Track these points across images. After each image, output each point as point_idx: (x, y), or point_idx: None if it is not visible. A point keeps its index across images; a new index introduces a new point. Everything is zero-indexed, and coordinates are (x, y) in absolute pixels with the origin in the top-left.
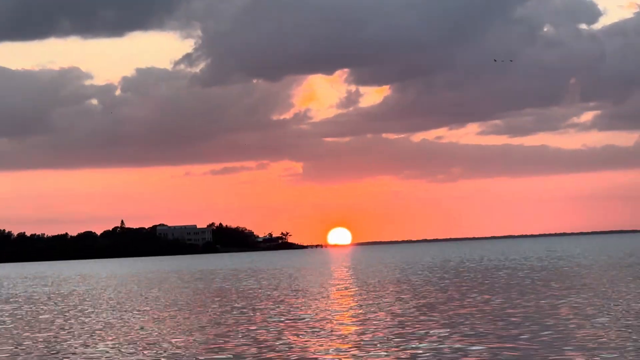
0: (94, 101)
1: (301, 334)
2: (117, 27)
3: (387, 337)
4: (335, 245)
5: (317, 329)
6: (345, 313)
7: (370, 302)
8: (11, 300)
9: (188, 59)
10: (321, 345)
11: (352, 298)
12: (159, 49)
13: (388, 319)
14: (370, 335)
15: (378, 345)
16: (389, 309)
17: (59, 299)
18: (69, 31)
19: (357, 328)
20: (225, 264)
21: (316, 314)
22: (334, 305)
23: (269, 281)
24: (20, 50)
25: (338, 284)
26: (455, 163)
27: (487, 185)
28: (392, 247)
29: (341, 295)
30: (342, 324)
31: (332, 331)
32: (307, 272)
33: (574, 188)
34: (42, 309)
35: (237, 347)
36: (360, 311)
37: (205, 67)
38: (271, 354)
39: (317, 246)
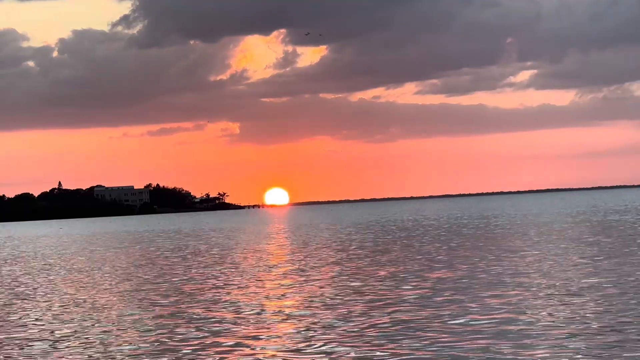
0: (31, 63)
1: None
2: None
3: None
4: (272, 206)
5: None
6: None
7: (300, 260)
8: None
9: (125, 20)
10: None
11: (282, 257)
12: (96, 10)
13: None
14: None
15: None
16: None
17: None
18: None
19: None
20: (160, 227)
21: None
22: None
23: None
24: None
25: (270, 244)
26: (393, 123)
27: (425, 144)
28: (328, 206)
29: (271, 255)
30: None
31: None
32: (240, 234)
33: (510, 147)
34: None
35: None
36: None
37: (142, 29)
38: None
39: (254, 206)
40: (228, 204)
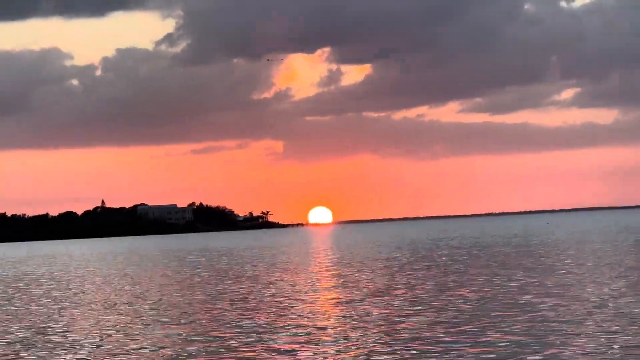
0: (75, 81)
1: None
2: (98, 7)
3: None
4: (316, 224)
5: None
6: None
7: (350, 279)
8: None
9: (169, 38)
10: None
11: (333, 276)
12: (140, 28)
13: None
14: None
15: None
16: (368, 285)
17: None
18: (51, 11)
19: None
20: (206, 244)
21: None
22: (314, 282)
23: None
24: (1, 31)
25: (320, 263)
26: (436, 141)
27: (468, 163)
28: (372, 225)
29: (323, 273)
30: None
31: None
32: (288, 250)
33: (554, 165)
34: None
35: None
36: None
37: (186, 47)
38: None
39: (297, 225)
40: (271, 222)
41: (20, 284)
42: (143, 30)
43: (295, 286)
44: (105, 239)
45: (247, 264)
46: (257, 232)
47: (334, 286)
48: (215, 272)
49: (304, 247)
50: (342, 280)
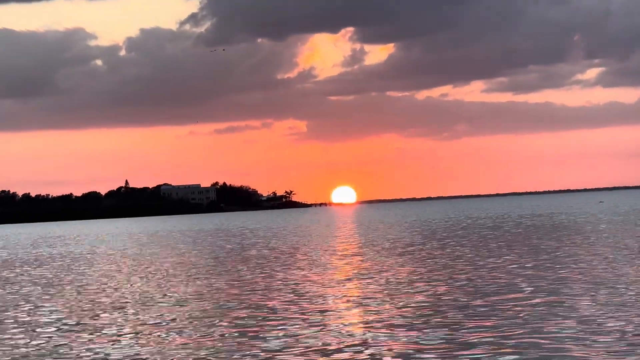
0: (99, 62)
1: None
2: None
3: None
4: (339, 204)
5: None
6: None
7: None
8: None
9: (193, 18)
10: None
11: (355, 259)
12: (163, 9)
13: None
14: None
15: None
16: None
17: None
18: None
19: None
20: (233, 224)
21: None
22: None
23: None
24: (26, 12)
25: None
26: (460, 120)
27: (491, 142)
28: (395, 204)
29: (346, 256)
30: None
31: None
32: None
33: (578, 145)
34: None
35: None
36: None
37: (210, 27)
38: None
39: (321, 204)
40: (295, 202)
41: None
42: (167, 10)
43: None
44: (126, 219)
45: (269, 244)
46: (281, 212)
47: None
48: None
49: (326, 229)
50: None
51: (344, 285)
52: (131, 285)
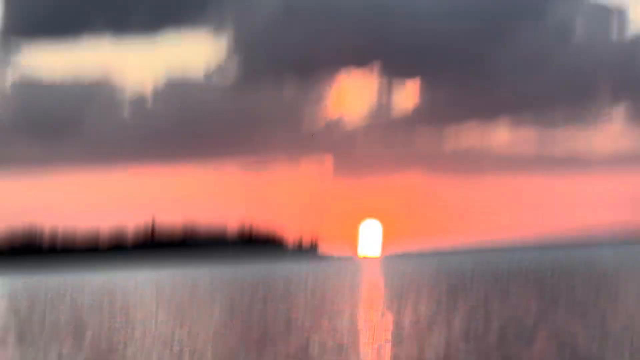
0: (126, 99)
1: None
2: (149, 24)
3: None
4: (365, 257)
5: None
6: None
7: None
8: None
9: (220, 54)
10: None
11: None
12: (191, 45)
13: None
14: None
15: None
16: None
17: None
18: (102, 29)
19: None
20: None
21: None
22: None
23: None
24: (52, 48)
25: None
26: (486, 159)
27: (517, 182)
28: (425, 250)
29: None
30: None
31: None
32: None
33: (604, 187)
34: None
35: None
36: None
37: (238, 65)
38: None
39: (347, 256)
40: (319, 251)
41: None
42: (194, 47)
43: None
44: (153, 265)
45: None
46: (308, 265)
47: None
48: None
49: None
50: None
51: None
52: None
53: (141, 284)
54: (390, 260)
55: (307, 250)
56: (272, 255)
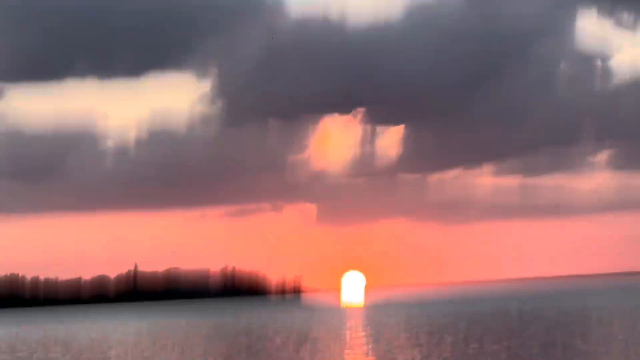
0: (110, 144)
1: None
2: (133, 68)
3: None
4: (349, 305)
5: None
6: None
7: None
8: None
9: (204, 100)
10: None
11: None
12: (175, 90)
13: None
14: None
15: None
16: None
17: None
18: (86, 73)
19: None
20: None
21: None
22: None
23: None
24: (36, 92)
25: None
26: (471, 204)
27: (503, 226)
28: (409, 297)
29: None
30: None
31: None
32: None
33: (590, 229)
34: None
35: None
36: None
37: (221, 108)
38: None
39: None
40: (304, 293)
41: None
42: (178, 92)
43: None
44: (136, 311)
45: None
46: (291, 311)
47: None
48: None
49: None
50: None
51: None
52: None
53: (118, 335)
54: (373, 309)
55: (290, 299)
56: (255, 303)
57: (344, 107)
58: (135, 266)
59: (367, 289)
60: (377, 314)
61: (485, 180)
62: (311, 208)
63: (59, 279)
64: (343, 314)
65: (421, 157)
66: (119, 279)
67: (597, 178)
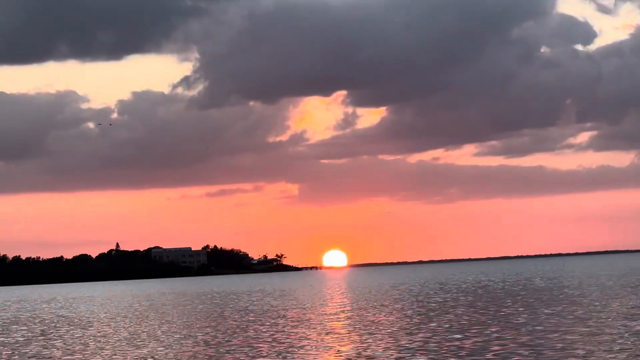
0: (91, 124)
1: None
2: (115, 50)
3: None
4: (330, 268)
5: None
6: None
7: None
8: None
9: (186, 81)
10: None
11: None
12: (156, 72)
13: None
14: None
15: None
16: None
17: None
18: (67, 55)
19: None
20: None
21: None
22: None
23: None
24: (18, 74)
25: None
26: (452, 184)
27: (483, 206)
28: (387, 268)
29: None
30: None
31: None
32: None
33: (570, 208)
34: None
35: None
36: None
37: (203, 90)
38: None
39: (312, 268)
40: (286, 265)
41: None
42: (159, 73)
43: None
44: (116, 282)
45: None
46: (271, 275)
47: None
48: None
49: (314, 292)
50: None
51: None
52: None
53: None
54: (353, 272)
55: (272, 265)
56: (238, 270)
57: (324, 89)
58: (117, 245)
59: (348, 267)
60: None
61: (466, 160)
62: (292, 188)
63: (41, 258)
64: (323, 275)
65: (401, 138)
66: (100, 257)
67: (578, 158)
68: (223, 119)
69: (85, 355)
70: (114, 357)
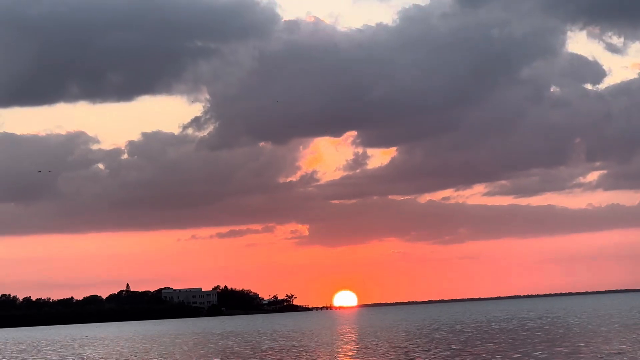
0: (101, 165)
1: None
2: (125, 91)
3: None
4: (340, 308)
5: None
6: None
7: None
8: None
9: (196, 122)
10: None
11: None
12: (166, 112)
13: None
14: None
15: None
16: None
17: None
18: (78, 96)
19: None
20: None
21: None
22: None
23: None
24: (29, 115)
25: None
26: (462, 224)
27: (493, 245)
28: (397, 308)
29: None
30: None
31: None
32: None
33: (580, 247)
34: None
35: None
36: None
37: (213, 131)
38: None
39: (322, 308)
40: (296, 305)
41: None
42: (169, 114)
43: None
44: (126, 323)
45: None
46: (282, 316)
47: None
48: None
49: (327, 333)
50: None
51: None
52: None
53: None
54: (364, 312)
55: (282, 305)
56: (249, 310)
57: (335, 130)
58: (127, 286)
59: (358, 307)
60: (367, 318)
61: (476, 200)
62: (303, 229)
63: (52, 299)
64: (335, 316)
65: (412, 178)
66: (111, 298)
67: (587, 197)
68: (233, 159)
69: None
70: None
